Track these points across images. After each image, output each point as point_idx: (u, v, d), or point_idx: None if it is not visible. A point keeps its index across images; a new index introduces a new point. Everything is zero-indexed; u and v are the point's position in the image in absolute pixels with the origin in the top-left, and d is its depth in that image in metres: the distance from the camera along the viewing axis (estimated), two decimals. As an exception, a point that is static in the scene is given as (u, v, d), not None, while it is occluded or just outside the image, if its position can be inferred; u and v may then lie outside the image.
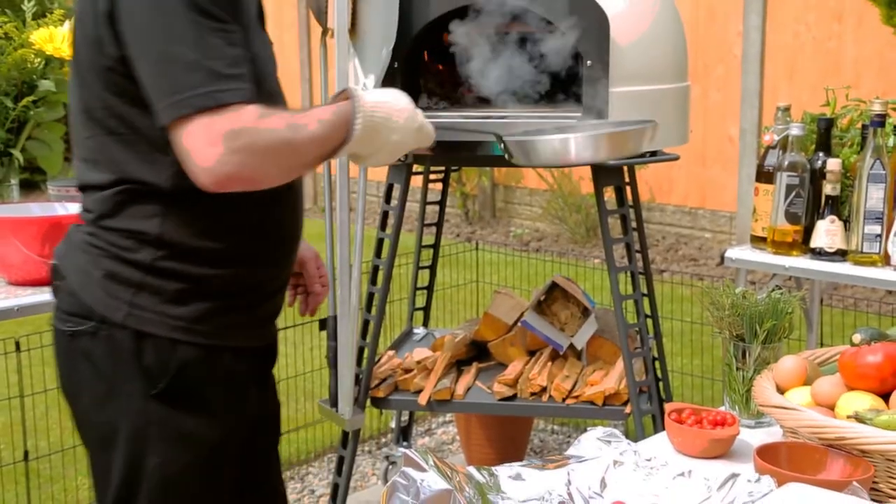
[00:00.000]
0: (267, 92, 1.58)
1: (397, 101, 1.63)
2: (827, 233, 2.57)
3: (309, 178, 8.65)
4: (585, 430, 1.52)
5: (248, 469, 1.78)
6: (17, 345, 2.91)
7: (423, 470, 1.27)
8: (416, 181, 3.08)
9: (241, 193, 1.50)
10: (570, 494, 1.38)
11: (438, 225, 3.35)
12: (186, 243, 1.58)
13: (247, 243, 1.64)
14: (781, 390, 1.64)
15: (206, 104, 1.42)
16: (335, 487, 2.91)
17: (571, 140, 2.12)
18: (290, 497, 3.54)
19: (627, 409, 2.69)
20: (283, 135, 1.48)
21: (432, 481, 1.26)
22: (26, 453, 2.98)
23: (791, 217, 2.64)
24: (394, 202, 2.84)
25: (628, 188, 2.79)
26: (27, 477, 3.02)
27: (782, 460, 1.46)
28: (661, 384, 2.82)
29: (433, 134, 1.73)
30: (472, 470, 1.38)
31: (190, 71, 1.43)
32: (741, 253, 2.80)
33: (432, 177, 3.24)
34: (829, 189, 2.57)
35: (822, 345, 3.16)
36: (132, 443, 1.60)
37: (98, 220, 1.60)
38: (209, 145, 1.42)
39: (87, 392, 1.62)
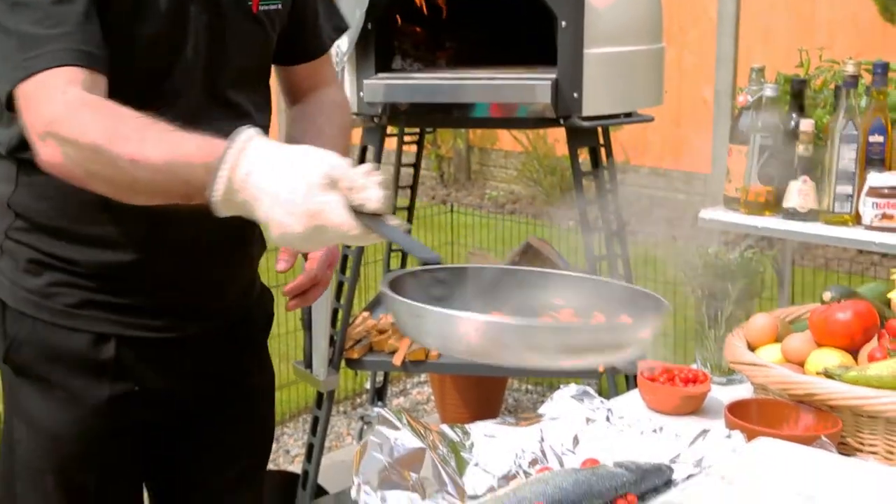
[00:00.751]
0: (144, 72, 1.36)
1: (292, 166, 1.14)
2: (799, 193, 2.58)
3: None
4: (559, 389, 1.53)
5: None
6: None
7: (396, 429, 1.28)
8: (391, 143, 3.07)
9: None
10: (542, 451, 1.39)
11: (413, 187, 3.35)
12: (38, 221, 1.42)
13: (112, 228, 1.41)
14: (752, 348, 1.65)
15: (18, 76, 1.24)
16: (310, 447, 2.92)
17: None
18: (266, 458, 3.56)
19: (601, 368, 2.71)
20: (96, 137, 1.20)
21: (406, 440, 1.27)
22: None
23: (764, 177, 2.65)
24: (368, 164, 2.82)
25: (603, 150, 2.80)
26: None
27: (752, 416, 1.47)
28: (634, 344, 2.83)
29: (350, 232, 1.13)
30: (445, 428, 1.38)
31: (5, 39, 1.26)
32: (714, 213, 2.81)
33: (406, 139, 3.23)
34: (801, 150, 2.58)
35: (793, 304, 3.19)
36: (3, 403, 1.50)
37: None
38: (30, 124, 1.25)
39: None
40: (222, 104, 1.44)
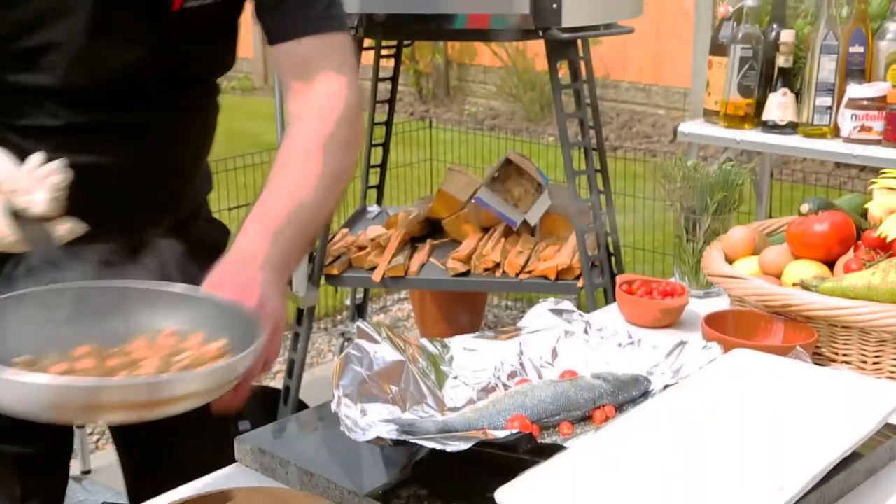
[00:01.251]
0: None
1: None
2: (779, 105, 2.57)
3: (260, 55, 8.45)
4: (538, 303, 1.53)
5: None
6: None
7: (376, 342, 1.28)
8: (368, 58, 3.02)
9: None
10: (521, 364, 1.39)
11: (391, 102, 3.31)
12: None
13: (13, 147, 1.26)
14: (730, 260, 1.66)
15: None
16: (291, 363, 2.94)
17: None
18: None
19: (580, 284, 2.73)
20: None
21: (385, 353, 1.27)
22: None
23: (744, 90, 2.64)
24: (345, 78, 2.78)
25: (582, 63, 2.77)
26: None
27: (729, 328, 1.48)
28: (613, 259, 2.85)
29: (6, 239, 1.08)
30: (424, 342, 1.39)
31: None
32: (694, 127, 2.80)
33: (384, 52, 3.18)
34: (781, 61, 2.56)
35: (771, 218, 3.21)
36: None
37: None
38: None
39: None
40: (111, 117, 1.30)
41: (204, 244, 1.44)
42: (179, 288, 1.14)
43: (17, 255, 1.10)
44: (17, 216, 1.06)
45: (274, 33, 1.37)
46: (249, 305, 1.13)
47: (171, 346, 1.07)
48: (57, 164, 1.08)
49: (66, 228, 1.08)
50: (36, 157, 1.09)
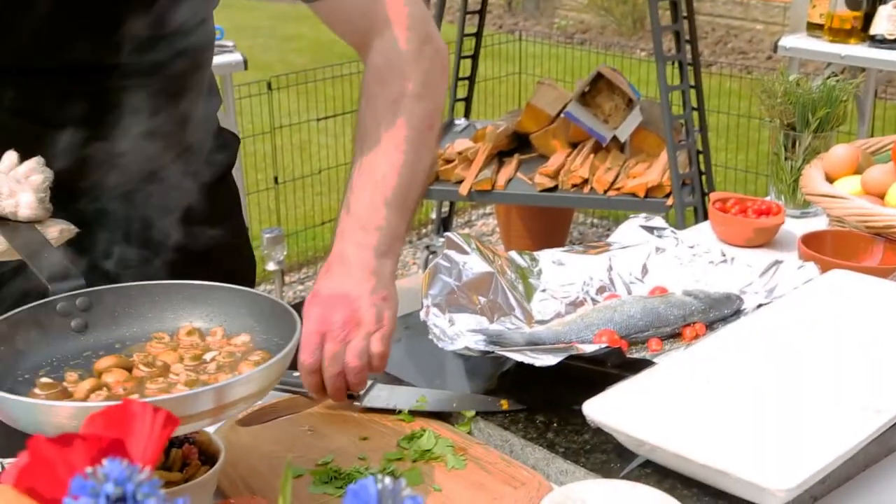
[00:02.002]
0: None
1: None
2: (889, 18, 2.45)
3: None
4: (628, 219, 1.50)
5: None
6: (269, 85, 3.37)
7: (465, 253, 1.27)
8: (459, -34, 2.97)
9: None
10: (611, 279, 1.38)
11: (481, 13, 3.26)
12: None
13: None
14: (830, 179, 1.60)
15: None
16: (377, 275, 2.96)
17: None
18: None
19: (669, 202, 2.68)
20: None
21: (474, 264, 1.27)
22: (276, 178, 3.55)
23: (851, 2, 2.52)
24: (435, -13, 2.75)
25: (680, -27, 2.68)
26: (276, 197, 3.60)
27: (827, 248, 1.44)
28: (704, 177, 2.79)
29: None
30: (513, 254, 1.38)
31: None
32: (796, 41, 2.69)
33: (475, -39, 3.12)
34: (893, -28, 2.44)
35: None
36: None
37: None
38: None
39: None
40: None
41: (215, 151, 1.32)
42: (184, 282, 1.06)
43: (9, 263, 1.00)
44: (2, 223, 0.96)
45: None
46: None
47: (193, 345, 1.00)
48: (35, 162, 0.99)
49: (58, 230, 0.98)
50: (9, 157, 1.00)
